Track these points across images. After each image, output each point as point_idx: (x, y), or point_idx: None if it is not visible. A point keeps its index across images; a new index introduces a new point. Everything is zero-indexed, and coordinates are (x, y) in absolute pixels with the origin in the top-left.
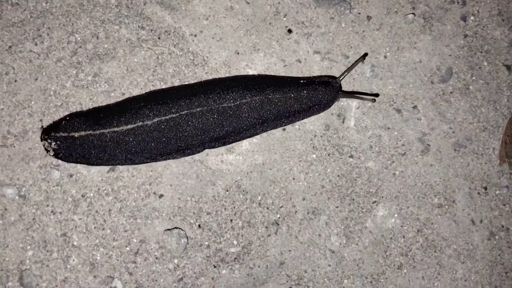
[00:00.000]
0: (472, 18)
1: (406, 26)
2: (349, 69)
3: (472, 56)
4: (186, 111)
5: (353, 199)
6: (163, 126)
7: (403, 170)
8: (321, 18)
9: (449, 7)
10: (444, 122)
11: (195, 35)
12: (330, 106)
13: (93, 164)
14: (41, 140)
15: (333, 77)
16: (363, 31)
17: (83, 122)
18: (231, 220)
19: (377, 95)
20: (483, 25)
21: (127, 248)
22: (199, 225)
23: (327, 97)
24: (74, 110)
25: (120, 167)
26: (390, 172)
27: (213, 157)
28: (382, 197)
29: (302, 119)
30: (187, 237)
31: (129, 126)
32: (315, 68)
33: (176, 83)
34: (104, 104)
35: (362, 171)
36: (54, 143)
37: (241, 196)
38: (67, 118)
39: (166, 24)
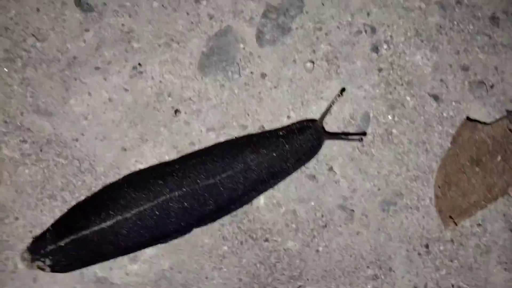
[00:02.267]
0: (385, 46)
1: (308, 75)
2: (327, 109)
3: (391, 92)
4: (163, 197)
5: (276, 287)
6: (142, 217)
7: (326, 244)
8: (210, 88)
9: (356, 39)
10: (367, 179)
11: (77, 139)
12: (317, 152)
13: (88, 265)
14: (32, 261)
15: (313, 120)
16: (259, 93)
17: (65, 228)
18: None
19: (364, 133)
20: (400, 52)
21: None
22: None
23: (312, 143)
24: None
25: None
26: (312, 250)
27: (116, 270)
28: (308, 279)
29: (293, 172)
30: None
31: (109, 223)
32: None
33: (66, 196)
34: None
35: (282, 254)
36: (47, 259)
37: None
38: (50, 228)
39: (47, 133)
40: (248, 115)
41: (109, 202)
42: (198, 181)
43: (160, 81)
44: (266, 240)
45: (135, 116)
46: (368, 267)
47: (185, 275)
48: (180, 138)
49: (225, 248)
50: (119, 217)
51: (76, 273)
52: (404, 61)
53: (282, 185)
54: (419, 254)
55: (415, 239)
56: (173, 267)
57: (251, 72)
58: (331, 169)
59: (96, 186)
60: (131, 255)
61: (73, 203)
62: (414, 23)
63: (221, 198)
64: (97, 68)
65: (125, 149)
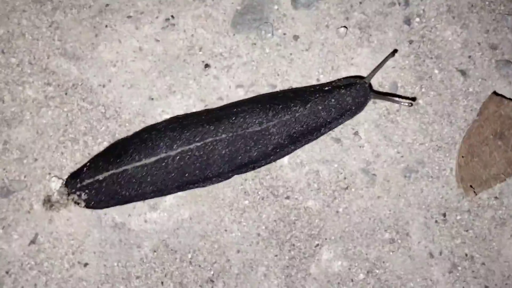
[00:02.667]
0: (417, 20)
1: (340, 41)
2: (378, 67)
3: (420, 64)
4: (210, 139)
5: (293, 245)
6: (187, 156)
7: (347, 206)
8: (242, 46)
9: (389, 10)
10: (391, 146)
11: (104, 85)
12: (362, 109)
13: (124, 203)
14: (68, 195)
15: (360, 77)
16: (291, 54)
17: (104, 162)
18: (162, 282)
19: (414, 99)
20: (431, 26)
21: None
22: None
23: (358, 100)
24: None
25: (40, 238)
26: (332, 210)
27: (135, 217)
28: (326, 238)
29: (335, 127)
30: None
31: (152, 159)
32: None
33: (89, 141)
34: None
35: (301, 213)
36: (83, 193)
37: (170, 255)
38: (87, 163)
39: (73, 77)
40: (278, 75)
41: (153, 139)
42: (245, 127)
43: (192, 35)
44: (287, 197)
45: (164, 67)
46: (386, 230)
47: (204, 226)
48: (208, 92)
49: (246, 202)
50: (163, 155)
51: (94, 216)
52: (435, 35)
53: (306, 145)
54: (436, 221)
55: (433, 207)
56: (193, 218)
57: (284, 34)
58: (356, 133)
59: (120, 133)
60: (152, 202)
61: (95, 148)
62: (447, 0)
63: (265, 146)
64: (129, 17)
65: (152, 98)
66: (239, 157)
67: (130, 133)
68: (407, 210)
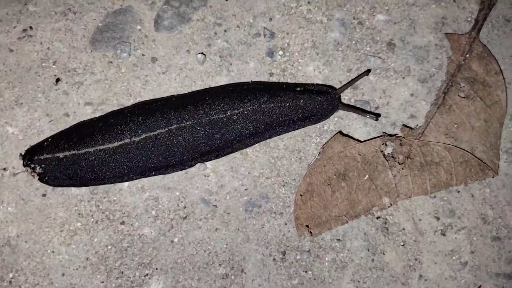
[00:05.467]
0: (280, 53)
1: (199, 67)
2: (350, 83)
3: None
4: (175, 126)
5: (122, 272)
6: (152, 143)
7: (183, 236)
8: (98, 63)
9: (254, 41)
10: (236, 178)
11: None
12: (328, 117)
13: (80, 185)
14: (24, 166)
15: (333, 87)
16: (146, 76)
17: (66, 141)
18: None
19: (379, 115)
20: (294, 60)
21: None
22: None
23: (326, 107)
24: None
25: None
26: (167, 240)
27: None
28: (157, 268)
29: (298, 129)
30: None
31: (115, 144)
32: None
33: None
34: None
35: (135, 239)
36: (39, 166)
37: None
38: (49, 139)
39: None
40: (131, 95)
41: (118, 124)
42: (210, 114)
43: (48, 48)
44: (123, 223)
45: (15, 77)
46: (220, 265)
47: (31, 245)
48: (55, 107)
49: (79, 224)
50: (127, 140)
51: None
52: (296, 70)
53: None
54: (274, 260)
55: (273, 244)
56: (20, 235)
57: (143, 55)
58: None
59: None
60: None
61: None
62: (313, 36)
63: (228, 134)
64: None
65: None
66: (203, 145)
67: None
68: (245, 245)
